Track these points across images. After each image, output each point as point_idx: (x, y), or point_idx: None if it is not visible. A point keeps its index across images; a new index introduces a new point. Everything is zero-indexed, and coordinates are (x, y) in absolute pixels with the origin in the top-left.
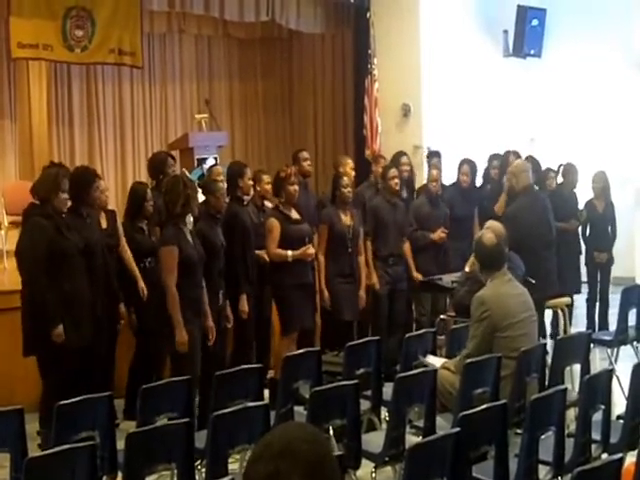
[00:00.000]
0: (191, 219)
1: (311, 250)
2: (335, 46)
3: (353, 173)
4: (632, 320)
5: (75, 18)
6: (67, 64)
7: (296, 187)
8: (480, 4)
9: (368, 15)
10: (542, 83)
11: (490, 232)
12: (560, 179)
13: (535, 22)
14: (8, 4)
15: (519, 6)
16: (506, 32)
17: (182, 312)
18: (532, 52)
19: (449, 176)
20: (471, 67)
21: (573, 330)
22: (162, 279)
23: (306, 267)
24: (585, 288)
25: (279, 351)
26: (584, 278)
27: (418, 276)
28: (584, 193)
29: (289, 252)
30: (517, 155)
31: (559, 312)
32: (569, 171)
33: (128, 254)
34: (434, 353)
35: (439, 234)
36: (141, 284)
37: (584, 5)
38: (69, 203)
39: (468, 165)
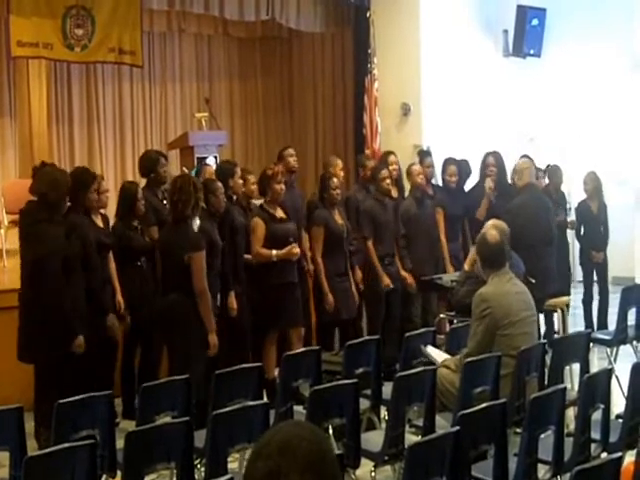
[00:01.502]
0: (198, 221)
1: (296, 249)
2: (335, 45)
3: (342, 174)
4: (631, 320)
5: (75, 17)
6: (67, 63)
7: (282, 186)
8: (480, 4)
9: (368, 14)
10: (542, 83)
11: (494, 229)
12: (546, 180)
13: (535, 22)
14: (8, 3)
15: (519, 6)
16: (506, 32)
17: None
18: (532, 52)
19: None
20: (471, 67)
21: (572, 330)
22: (197, 285)
23: (291, 266)
24: (575, 289)
25: (264, 351)
26: (575, 278)
27: (406, 276)
28: (581, 193)
29: (273, 251)
30: (496, 156)
31: (558, 311)
32: (555, 173)
33: (112, 265)
34: None
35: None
36: (119, 297)
37: (584, 5)
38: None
39: (455, 165)
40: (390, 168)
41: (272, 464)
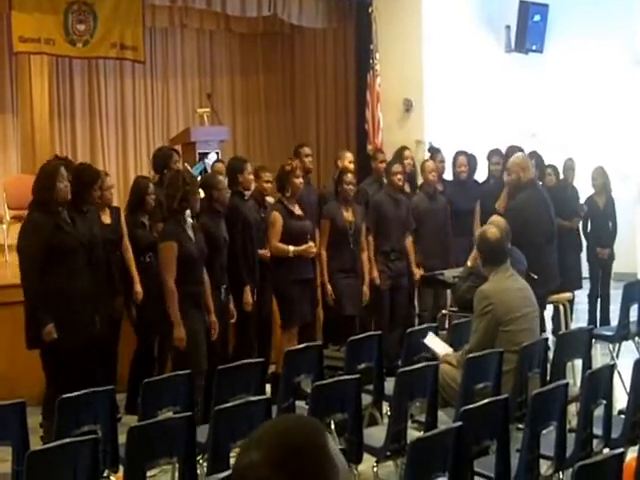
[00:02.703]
0: (189, 214)
1: (313, 248)
2: (337, 41)
3: (352, 167)
4: (633, 316)
5: (77, 12)
6: (69, 58)
7: (301, 180)
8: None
9: (370, 10)
10: (544, 79)
11: (494, 227)
12: (561, 176)
13: (537, 18)
14: None
15: (521, 1)
16: (508, 27)
17: (184, 307)
18: (534, 48)
19: (451, 171)
20: (473, 62)
21: (574, 325)
22: (160, 276)
23: (307, 263)
24: (586, 284)
25: (280, 346)
26: (584, 274)
27: (418, 272)
28: (585, 189)
29: (291, 247)
30: (521, 152)
31: (560, 307)
32: (570, 167)
33: (130, 254)
34: None
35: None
36: (138, 287)
37: (586, 1)
38: (69, 195)
39: (464, 156)
40: (405, 163)
41: (249, 458)
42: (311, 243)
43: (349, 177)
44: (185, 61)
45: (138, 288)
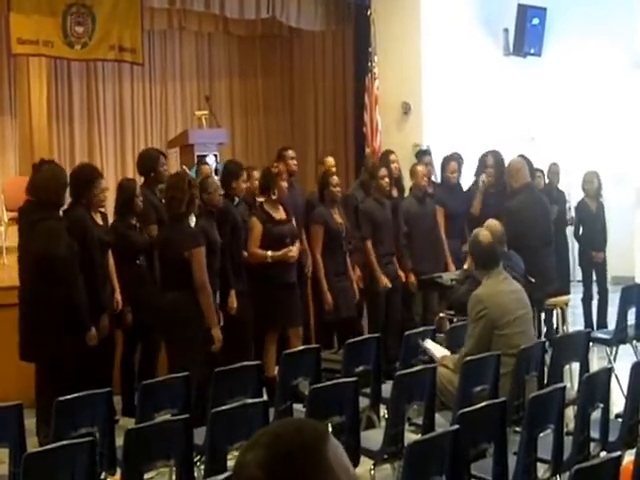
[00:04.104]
0: (194, 219)
1: (292, 252)
2: (336, 44)
3: (334, 170)
4: (631, 319)
5: (75, 14)
6: (67, 60)
7: (287, 184)
8: (481, 2)
9: (369, 13)
10: (542, 82)
11: (486, 230)
12: (546, 179)
13: (535, 21)
14: (8, 0)
15: (520, 5)
16: (506, 31)
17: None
18: (532, 51)
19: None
20: (471, 66)
21: (572, 329)
22: (198, 280)
23: (290, 267)
24: (573, 288)
25: (264, 350)
26: (573, 278)
27: (403, 275)
28: (580, 193)
29: (269, 252)
30: (495, 155)
31: (558, 311)
32: (555, 172)
33: (111, 263)
34: None
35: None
36: (117, 296)
37: (585, 4)
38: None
39: (455, 162)
40: (391, 167)
41: (242, 458)
42: (291, 247)
43: (335, 179)
44: (183, 64)
45: (118, 297)
